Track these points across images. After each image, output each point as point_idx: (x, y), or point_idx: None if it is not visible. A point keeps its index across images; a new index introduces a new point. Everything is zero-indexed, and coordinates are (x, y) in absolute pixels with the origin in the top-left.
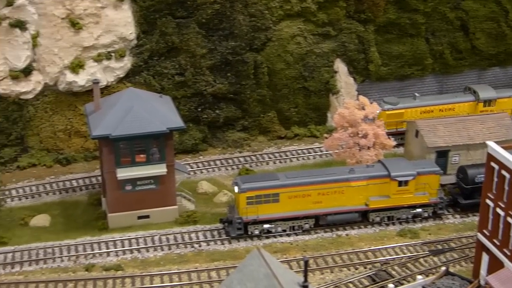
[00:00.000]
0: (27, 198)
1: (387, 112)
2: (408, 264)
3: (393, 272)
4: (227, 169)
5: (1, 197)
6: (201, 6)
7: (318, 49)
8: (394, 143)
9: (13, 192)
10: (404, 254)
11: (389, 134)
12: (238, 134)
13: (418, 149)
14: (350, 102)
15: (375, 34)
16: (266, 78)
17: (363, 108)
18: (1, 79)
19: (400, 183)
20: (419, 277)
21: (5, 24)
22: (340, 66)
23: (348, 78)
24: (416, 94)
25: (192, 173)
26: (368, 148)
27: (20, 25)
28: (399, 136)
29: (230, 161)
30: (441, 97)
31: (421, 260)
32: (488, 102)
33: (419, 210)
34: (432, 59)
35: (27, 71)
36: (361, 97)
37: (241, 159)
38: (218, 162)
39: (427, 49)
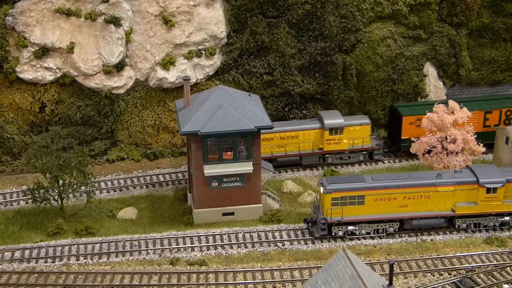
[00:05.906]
0: (115, 191)
1: None
2: (494, 273)
3: (479, 280)
4: (312, 170)
5: (91, 189)
6: (292, 6)
7: (408, 52)
8: (483, 149)
9: (102, 185)
10: (491, 262)
11: None
12: None
13: (508, 156)
14: (439, 107)
15: (467, 38)
16: (355, 80)
17: (452, 113)
18: (94, 73)
19: (489, 190)
20: (505, 286)
21: (101, 20)
22: (429, 70)
23: (437, 82)
24: None
25: (277, 172)
26: (457, 153)
27: (115, 21)
28: None
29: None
30: (284, 124)
31: (508, 269)
32: (334, 130)
33: (507, 218)
34: None
35: (119, 67)
36: (451, 102)
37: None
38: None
39: None
